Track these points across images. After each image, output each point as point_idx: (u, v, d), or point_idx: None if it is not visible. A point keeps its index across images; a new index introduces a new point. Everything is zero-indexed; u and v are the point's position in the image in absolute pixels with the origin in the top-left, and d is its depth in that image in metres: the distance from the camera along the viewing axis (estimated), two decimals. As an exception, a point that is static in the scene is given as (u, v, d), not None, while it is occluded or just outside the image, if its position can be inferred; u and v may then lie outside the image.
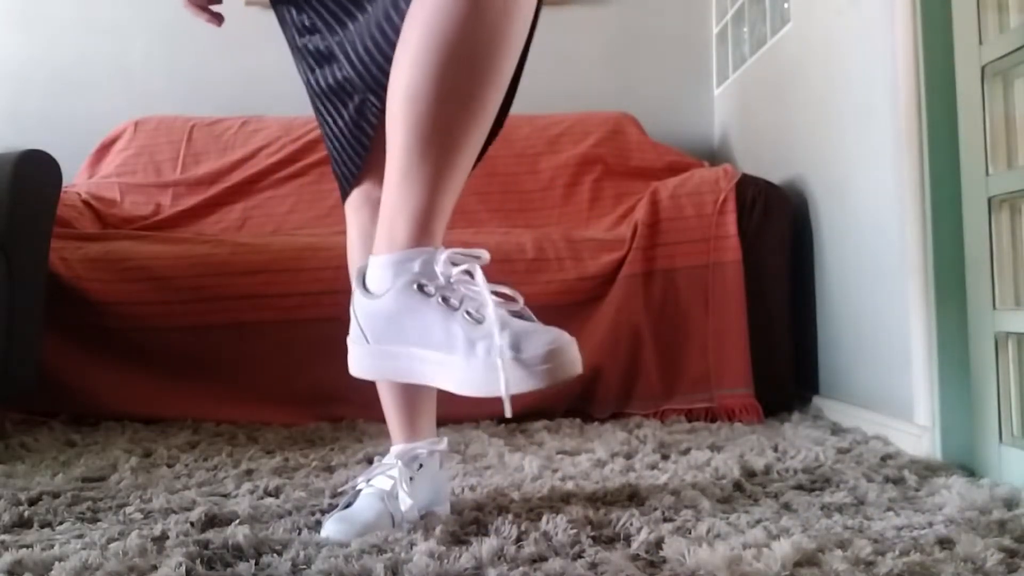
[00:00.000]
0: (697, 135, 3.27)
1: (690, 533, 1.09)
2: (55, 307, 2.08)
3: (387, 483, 1.15)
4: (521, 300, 0.90)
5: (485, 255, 0.92)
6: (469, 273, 0.89)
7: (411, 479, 1.15)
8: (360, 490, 1.17)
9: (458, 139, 0.90)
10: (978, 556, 0.98)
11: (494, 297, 0.87)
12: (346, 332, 0.96)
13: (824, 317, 2.22)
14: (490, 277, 0.91)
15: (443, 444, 1.22)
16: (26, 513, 1.20)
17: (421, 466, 1.18)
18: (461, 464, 1.57)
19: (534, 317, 0.89)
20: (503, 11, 0.89)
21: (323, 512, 1.21)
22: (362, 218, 1.21)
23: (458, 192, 0.94)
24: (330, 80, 1.12)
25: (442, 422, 2.03)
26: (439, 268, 0.88)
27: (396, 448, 1.21)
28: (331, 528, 1.08)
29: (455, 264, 0.89)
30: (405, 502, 1.12)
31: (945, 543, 1.04)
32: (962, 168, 1.55)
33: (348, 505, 1.14)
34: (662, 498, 1.27)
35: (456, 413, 2.05)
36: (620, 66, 3.29)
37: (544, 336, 0.82)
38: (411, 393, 1.21)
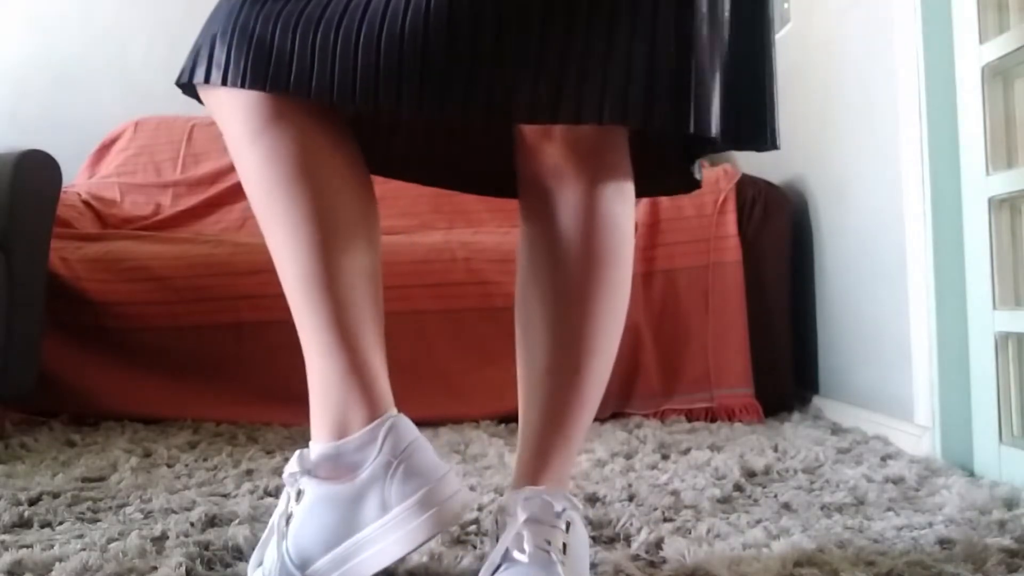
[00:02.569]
0: (697, 135, 3.27)
1: (690, 533, 1.09)
2: (55, 307, 2.08)
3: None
4: None
5: None
6: None
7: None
8: None
9: None
10: (978, 556, 0.98)
11: None
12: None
13: (824, 317, 2.22)
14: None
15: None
16: (26, 513, 1.20)
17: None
18: (461, 464, 1.57)
19: None
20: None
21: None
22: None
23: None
24: None
25: (442, 422, 2.04)
26: None
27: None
28: None
29: None
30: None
31: (945, 543, 1.04)
32: (962, 168, 1.55)
33: None
34: (662, 498, 1.27)
35: (456, 413, 2.04)
36: (620, 66, 3.28)
37: None
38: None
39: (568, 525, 0.86)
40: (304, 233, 0.85)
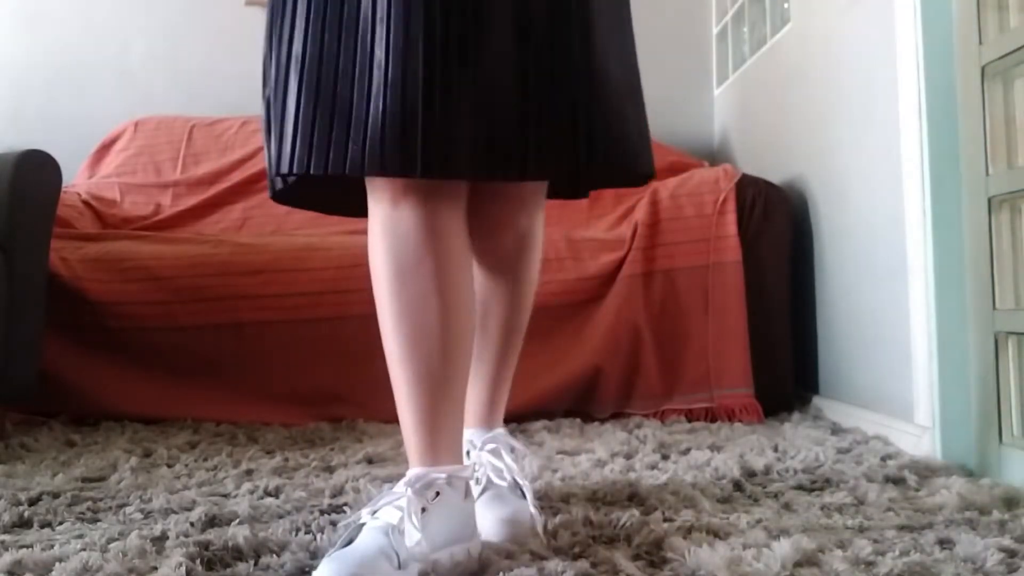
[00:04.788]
0: (697, 135, 3.27)
1: (690, 533, 1.09)
2: (55, 307, 2.08)
3: (395, 515, 0.95)
4: None
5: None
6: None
7: (423, 510, 0.96)
8: (363, 523, 0.96)
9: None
10: (978, 556, 0.98)
11: None
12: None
13: (824, 317, 2.22)
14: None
15: (469, 471, 1.05)
16: (26, 513, 1.20)
17: (438, 494, 0.99)
18: (461, 464, 1.57)
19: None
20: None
21: (323, 512, 1.22)
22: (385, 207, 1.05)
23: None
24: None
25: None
26: None
27: (409, 473, 1.01)
28: (324, 569, 0.87)
29: None
30: (412, 536, 0.93)
31: (945, 543, 1.04)
32: (962, 168, 1.55)
33: (349, 541, 0.93)
34: (662, 498, 1.27)
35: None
36: (620, 66, 3.28)
37: None
38: (433, 406, 1.03)
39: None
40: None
